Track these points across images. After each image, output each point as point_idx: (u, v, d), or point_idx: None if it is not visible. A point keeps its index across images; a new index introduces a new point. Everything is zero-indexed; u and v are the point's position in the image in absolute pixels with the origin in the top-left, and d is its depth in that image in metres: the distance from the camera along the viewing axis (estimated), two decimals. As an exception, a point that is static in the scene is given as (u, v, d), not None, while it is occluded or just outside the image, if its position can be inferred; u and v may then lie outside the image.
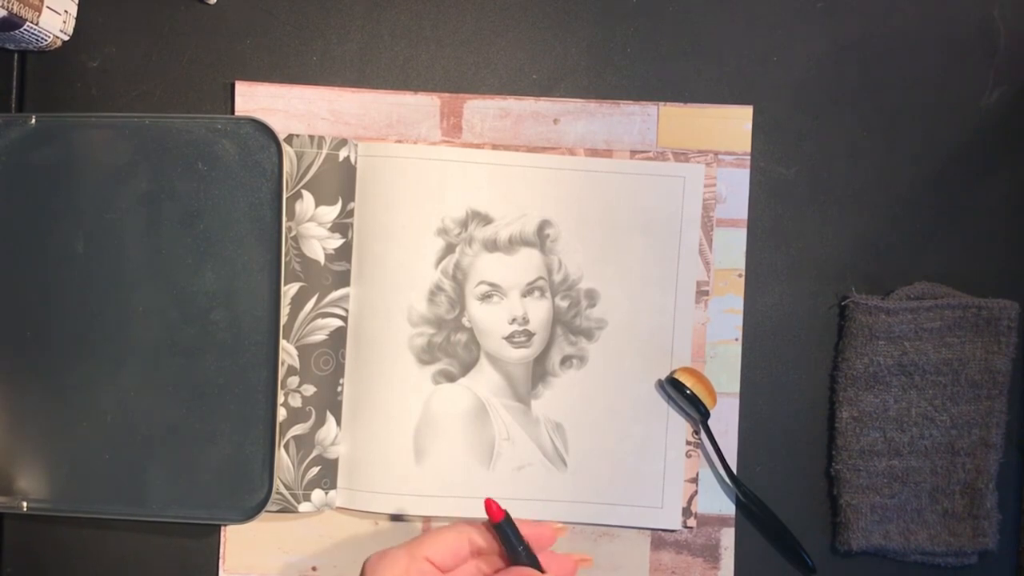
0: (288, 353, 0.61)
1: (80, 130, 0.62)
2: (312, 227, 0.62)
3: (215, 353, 0.61)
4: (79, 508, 0.62)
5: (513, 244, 0.63)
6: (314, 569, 0.63)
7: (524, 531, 0.52)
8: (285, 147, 0.61)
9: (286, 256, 0.61)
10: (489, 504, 0.51)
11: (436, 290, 0.63)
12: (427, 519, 0.63)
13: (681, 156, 0.64)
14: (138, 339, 0.61)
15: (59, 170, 0.62)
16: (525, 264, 0.63)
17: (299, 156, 0.62)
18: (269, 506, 0.60)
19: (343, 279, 0.62)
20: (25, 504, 0.62)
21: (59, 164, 0.62)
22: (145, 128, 0.61)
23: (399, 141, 0.64)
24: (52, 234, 0.62)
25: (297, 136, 0.62)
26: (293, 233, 0.61)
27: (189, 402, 0.61)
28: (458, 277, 0.63)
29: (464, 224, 0.63)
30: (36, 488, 0.62)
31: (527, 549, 0.52)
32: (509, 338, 0.63)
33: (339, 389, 0.62)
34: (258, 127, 0.61)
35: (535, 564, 0.52)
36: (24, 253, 0.62)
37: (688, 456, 0.63)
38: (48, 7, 0.59)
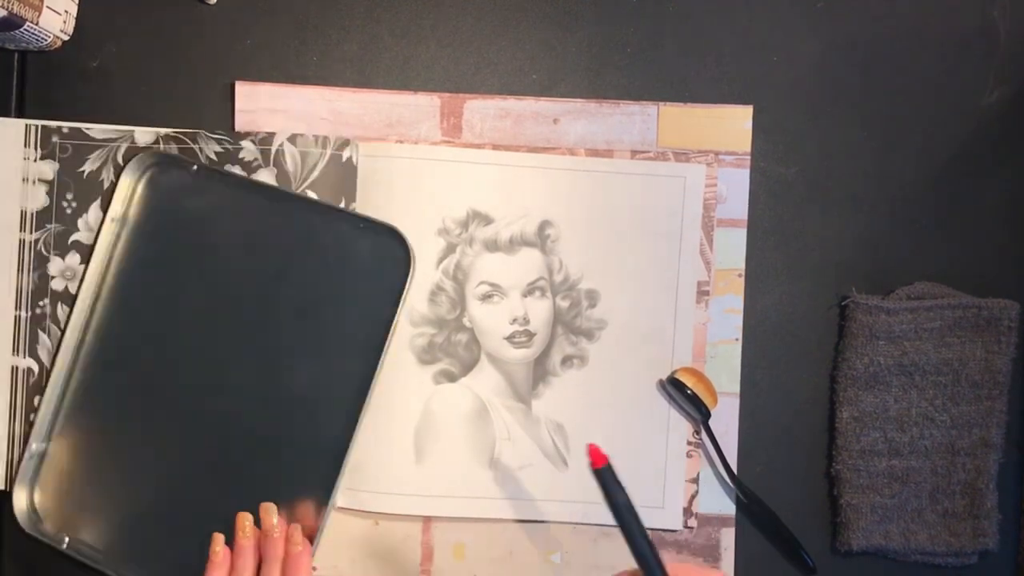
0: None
1: (233, 189, 0.61)
2: (313, 227, 0.62)
3: (291, 450, 0.60)
4: (116, 568, 0.61)
5: (514, 244, 0.63)
6: (314, 569, 0.63)
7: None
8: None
9: None
10: (593, 450, 0.46)
11: (437, 290, 0.63)
12: (427, 519, 0.63)
13: (681, 156, 0.64)
14: (220, 423, 0.61)
15: (204, 223, 0.62)
16: (526, 264, 0.63)
17: (304, 156, 0.62)
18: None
19: (344, 279, 0.62)
20: (66, 543, 0.61)
21: (206, 216, 0.62)
22: (292, 202, 0.61)
23: (399, 141, 0.64)
24: (178, 284, 0.62)
25: (301, 136, 0.62)
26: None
27: (255, 498, 0.59)
28: (459, 277, 0.63)
29: (465, 224, 0.63)
30: (84, 533, 0.61)
31: (637, 521, 0.45)
32: (510, 338, 0.63)
33: (340, 389, 0.62)
34: (394, 235, 0.60)
35: (649, 549, 0.45)
36: (150, 297, 0.62)
37: (689, 456, 0.63)
38: (48, 7, 0.59)
